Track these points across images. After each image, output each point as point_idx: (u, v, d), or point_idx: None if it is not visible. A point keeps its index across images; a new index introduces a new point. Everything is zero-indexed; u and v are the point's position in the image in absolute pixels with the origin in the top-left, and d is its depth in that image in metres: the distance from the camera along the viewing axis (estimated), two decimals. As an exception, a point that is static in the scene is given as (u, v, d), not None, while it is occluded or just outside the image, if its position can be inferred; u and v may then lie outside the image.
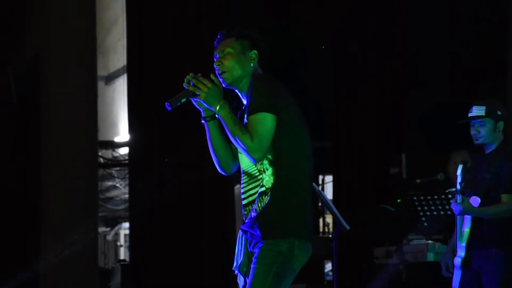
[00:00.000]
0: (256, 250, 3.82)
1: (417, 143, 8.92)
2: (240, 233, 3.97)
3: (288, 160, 3.84)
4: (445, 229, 6.98)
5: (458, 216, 5.58)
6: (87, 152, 9.00)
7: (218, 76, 3.94)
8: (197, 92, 3.88)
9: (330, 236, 5.96)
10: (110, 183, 12.85)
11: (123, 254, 15.60)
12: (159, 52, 9.14)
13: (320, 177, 10.96)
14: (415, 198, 6.96)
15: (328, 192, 10.51)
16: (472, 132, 5.62)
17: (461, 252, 5.56)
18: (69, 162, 8.75)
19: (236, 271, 3.95)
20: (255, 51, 3.97)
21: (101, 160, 11.73)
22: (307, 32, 9.69)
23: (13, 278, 8.59)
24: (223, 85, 3.94)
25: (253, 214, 3.86)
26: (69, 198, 8.70)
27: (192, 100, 3.94)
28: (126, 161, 10.92)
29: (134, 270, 9.10)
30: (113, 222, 15.40)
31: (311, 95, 8.56)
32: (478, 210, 5.47)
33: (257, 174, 3.88)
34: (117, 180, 12.60)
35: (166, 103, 3.87)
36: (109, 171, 12.40)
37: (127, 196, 10.70)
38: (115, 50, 13.08)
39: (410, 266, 7.39)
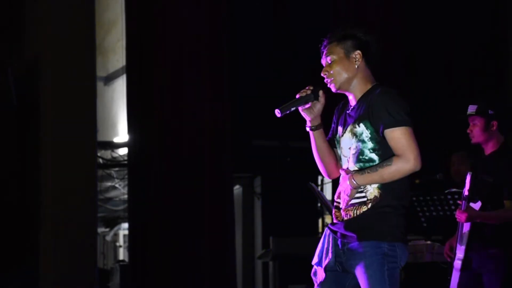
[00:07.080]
0: (358, 251, 3.87)
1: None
2: (326, 231, 4.02)
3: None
4: (444, 230, 6.98)
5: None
6: (86, 152, 8.99)
7: (328, 84, 4.00)
8: (308, 102, 3.95)
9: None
10: (109, 184, 12.85)
11: (122, 254, 15.61)
12: (159, 52, 9.14)
13: (319, 178, 10.97)
14: (414, 198, 6.95)
15: (327, 193, 10.53)
16: (468, 130, 5.62)
17: (460, 254, 5.53)
18: (68, 163, 8.76)
19: (318, 266, 4.00)
20: (359, 51, 3.98)
21: (100, 160, 11.72)
22: (304, 32, 9.67)
23: (13, 278, 8.59)
24: (333, 91, 4.01)
25: (347, 217, 3.92)
26: (68, 198, 8.71)
27: (300, 109, 3.99)
28: (125, 162, 10.91)
29: (133, 270, 9.09)
30: (112, 222, 15.41)
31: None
32: (483, 215, 5.44)
33: None
34: (116, 180, 12.60)
35: (276, 109, 3.91)
36: (108, 171, 12.40)
37: (126, 196, 10.70)
38: (114, 50, 13.08)
39: (409, 267, 7.37)
